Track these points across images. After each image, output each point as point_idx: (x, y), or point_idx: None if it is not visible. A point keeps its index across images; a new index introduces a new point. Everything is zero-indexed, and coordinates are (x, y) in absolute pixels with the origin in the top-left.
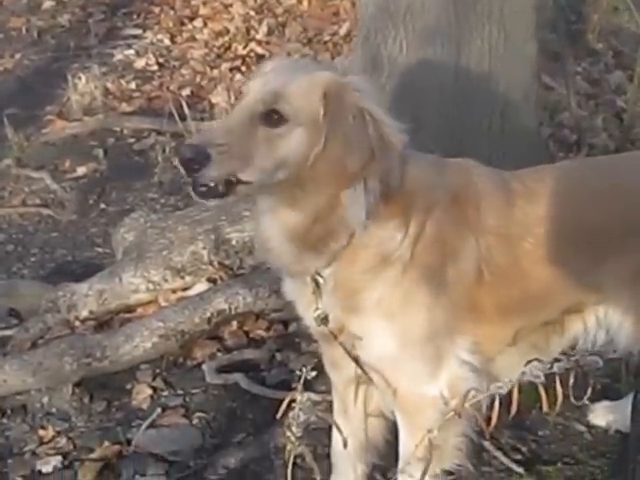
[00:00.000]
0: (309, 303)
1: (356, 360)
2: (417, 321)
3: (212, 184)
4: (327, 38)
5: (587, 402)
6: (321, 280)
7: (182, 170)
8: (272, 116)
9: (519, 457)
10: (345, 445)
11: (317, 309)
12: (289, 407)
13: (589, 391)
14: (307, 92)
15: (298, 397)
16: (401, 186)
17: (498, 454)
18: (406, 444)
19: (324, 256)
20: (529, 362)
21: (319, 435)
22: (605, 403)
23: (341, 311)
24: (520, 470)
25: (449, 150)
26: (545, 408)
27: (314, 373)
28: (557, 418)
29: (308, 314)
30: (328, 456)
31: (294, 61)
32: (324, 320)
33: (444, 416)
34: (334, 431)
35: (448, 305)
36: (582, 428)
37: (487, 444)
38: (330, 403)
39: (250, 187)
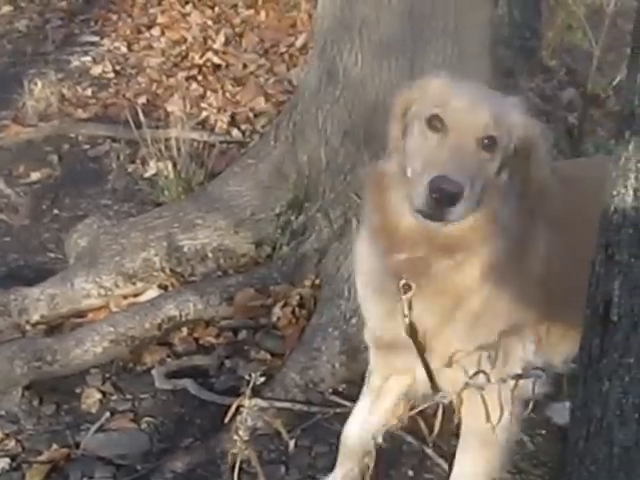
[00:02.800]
0: (389, 310)
1: (430, 375)
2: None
3: (456, 218)
4: (283, 49)
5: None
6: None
7: (429, 201)
8: (488, 142)
9: None
10: None
11: (405, 316)
12: (237, 412)
13: (531, 404)
14: (512, 126)
15: (246, 402)
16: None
17: (441, 461)
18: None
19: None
20: (475, 374)
21: (265, 441)
22: (565, 403)
23: (438, 318)
24: None
25: None
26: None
27: (262, 379)
28: None
29: (385, 322)
30: (274, 462)
31: (485, 89)
32: (413, 330)
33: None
34: (349, 422)
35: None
36: (524, 438)
37: (430, 451)
38: (277, 410)
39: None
